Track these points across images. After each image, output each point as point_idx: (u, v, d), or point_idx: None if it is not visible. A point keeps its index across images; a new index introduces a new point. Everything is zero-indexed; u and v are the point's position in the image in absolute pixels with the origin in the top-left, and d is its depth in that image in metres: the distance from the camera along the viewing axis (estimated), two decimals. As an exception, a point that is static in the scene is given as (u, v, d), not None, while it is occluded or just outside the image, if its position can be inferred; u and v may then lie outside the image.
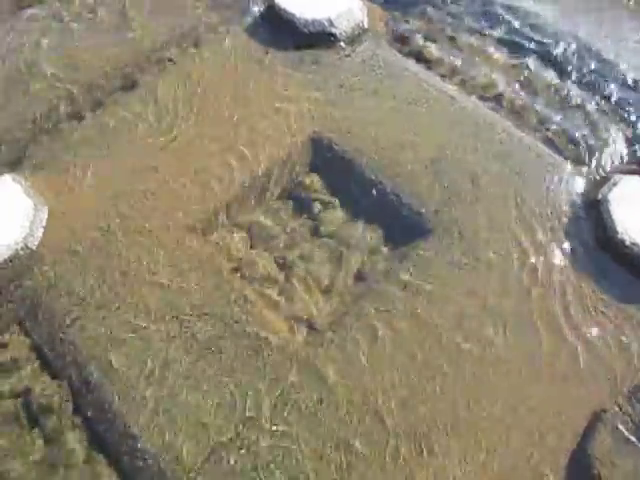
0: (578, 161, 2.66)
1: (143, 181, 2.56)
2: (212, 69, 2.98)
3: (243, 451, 1.91)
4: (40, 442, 1.98)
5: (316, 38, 3.05)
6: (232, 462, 1.89)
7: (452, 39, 3.16)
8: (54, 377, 2.10)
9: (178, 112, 2.80)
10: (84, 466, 1.94)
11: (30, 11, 3.31)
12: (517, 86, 2.96)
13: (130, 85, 2.95)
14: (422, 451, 1.91)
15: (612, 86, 2.95)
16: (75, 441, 1.98)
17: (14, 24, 3.23)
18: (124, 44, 3.10)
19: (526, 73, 3.02)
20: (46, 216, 2.45)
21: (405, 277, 2.28)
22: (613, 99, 2.91)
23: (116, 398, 2.02)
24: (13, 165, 2.65)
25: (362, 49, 3.06)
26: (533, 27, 3.22)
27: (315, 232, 2.50)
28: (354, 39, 3.09)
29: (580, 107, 2.88)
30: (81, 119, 2.82)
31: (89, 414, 2.02)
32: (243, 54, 3.05)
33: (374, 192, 2.53)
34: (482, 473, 1.88)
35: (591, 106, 2.88)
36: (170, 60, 3.03)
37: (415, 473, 1.88)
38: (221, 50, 3.08)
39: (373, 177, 2.57)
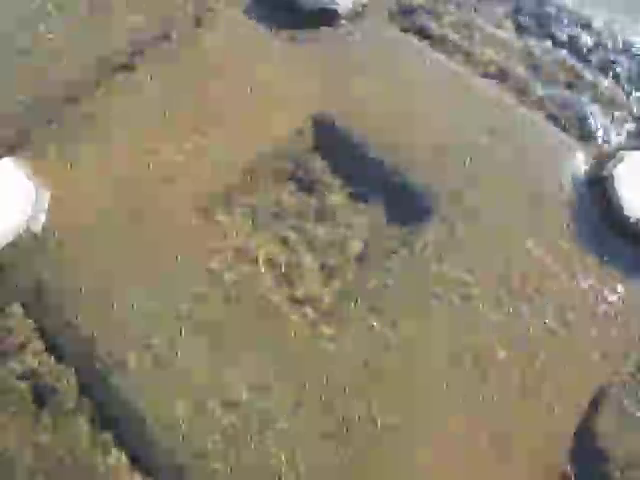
0: (583, 137, 2.64)
1: (146, 164, 2.55)
2: (211, 49, 2.94)
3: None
4: (48, 424, 2.00)
5: (316, 15, 3.00)
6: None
7: (456, 15, 3.12)
8: (60, 360, 2.11)
9: (179, 93, 2.77)
10: (92, 448, 1.95)
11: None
12: (521, 63, 2.92)
13: (130, 66, 2.92)
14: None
15: (619, 61, 2.91)
16: (83, 423, 1.99)
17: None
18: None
19: (531, 49, 2.97)
20: (49, 199, 2.44)
21: (408, 258, 2.27)
22: (620, 75, 2.87)
23: (123, 380, 2.04)
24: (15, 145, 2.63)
25: (364, 26, 3.01)
26: (539, 3, 3.17)
27: (318, 213, 2.49)
28: (356, 16, 3.04)
29: (585, 83, 2.84)
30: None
31: (96, 396, 2.04)
32: (242, 33, 3.01)
33: (377, 172, 2.52)
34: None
35: (597, 82, 2.84)
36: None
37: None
38: (220, 30, 3.03)
39: (376, 157, 2.55)
